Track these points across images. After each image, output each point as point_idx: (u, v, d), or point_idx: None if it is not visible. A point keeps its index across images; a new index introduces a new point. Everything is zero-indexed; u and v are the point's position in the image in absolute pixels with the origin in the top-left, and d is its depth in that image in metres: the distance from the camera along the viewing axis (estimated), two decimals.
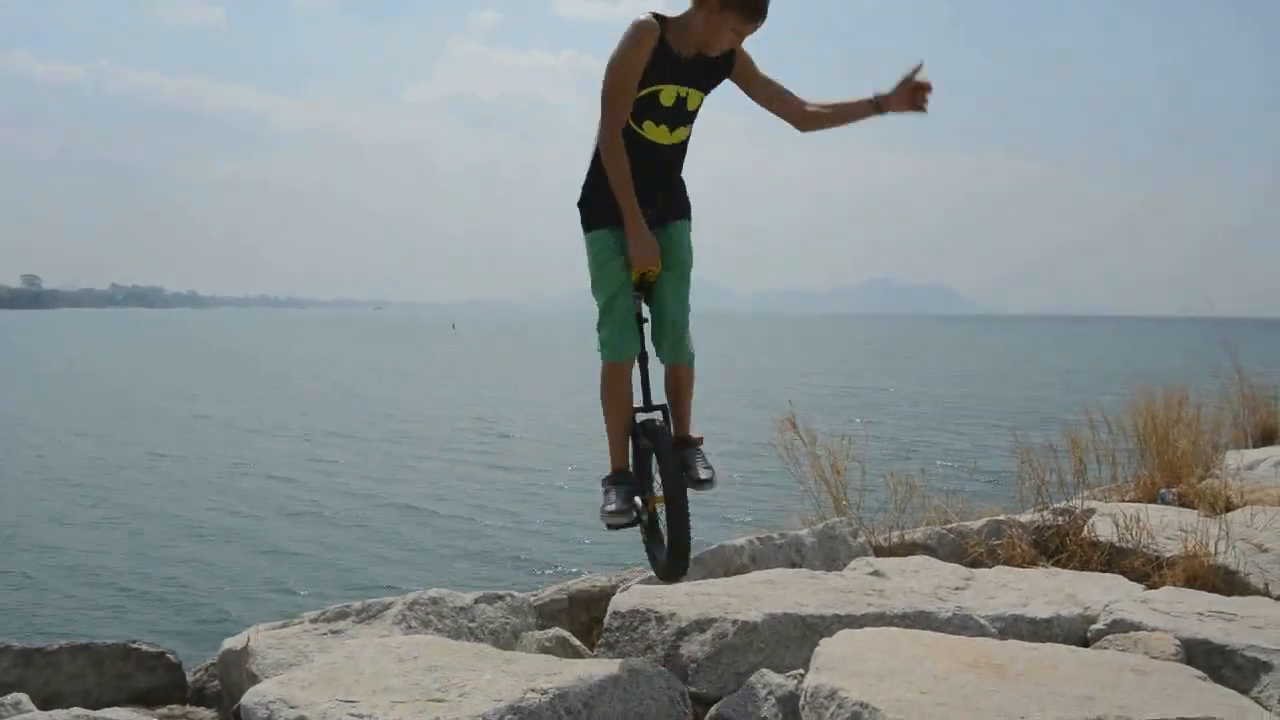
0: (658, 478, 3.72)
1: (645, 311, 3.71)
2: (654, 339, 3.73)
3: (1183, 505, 5.96)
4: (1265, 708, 3.33)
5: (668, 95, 3.57)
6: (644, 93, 3.53)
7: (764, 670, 3.40)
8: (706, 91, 3.65)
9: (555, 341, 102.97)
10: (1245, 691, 3.46)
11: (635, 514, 3.66)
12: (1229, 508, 5.69)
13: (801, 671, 3.36)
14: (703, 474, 3.70)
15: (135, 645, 4.09)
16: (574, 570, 8.08)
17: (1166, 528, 5.13)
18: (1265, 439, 8.78)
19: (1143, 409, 7.11)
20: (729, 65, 3.65)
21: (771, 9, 3.46)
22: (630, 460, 3.78)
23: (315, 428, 26.91)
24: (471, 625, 4.22)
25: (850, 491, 6.02)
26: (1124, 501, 6.10)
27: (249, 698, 3.14)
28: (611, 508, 3.65)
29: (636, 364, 3.69)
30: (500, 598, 4.44)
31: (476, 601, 4.35)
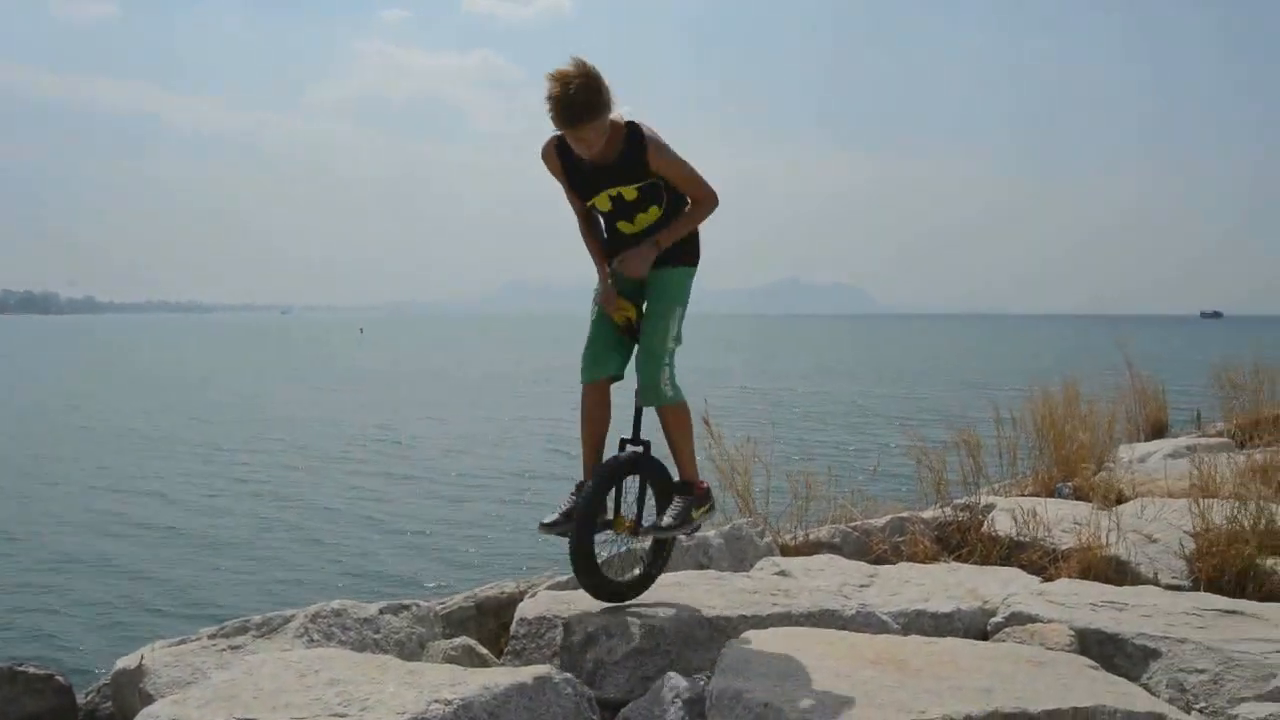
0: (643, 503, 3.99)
1: None
2: None
3: (1078, 498, 6.15)
4: (1153, 693, 3.46)
5: (602, 201, 3.90)
6: (590, 204, 3.95)
7: (671, 673, 3.41)
8: (637, 182, 3.82)
9: (459, 344, 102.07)
10: (1135, 678, 3.58)
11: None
12: (1121, 500, 5.88)
13: (708, 673, 3.38)
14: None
15: (21, 667, 3.94)
16: (482, 578, 8.00)
17: (1062, 521, 5.27)
18: (1156, 433, 9.12)
19: (1040, 405, 7.31)
20: (638, 163, 3.79)
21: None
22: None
23: (210, 438, 26.16)
24: (376, 636, 4.15)
25: (757, 492, 6.08)
26: (1023, 496, 6.26)
27: (142, 719, 3.04)
28: (546, 519, 3.87)
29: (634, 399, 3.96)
30: (406, 607, 4.37)
31: (381, 612, 4.28)
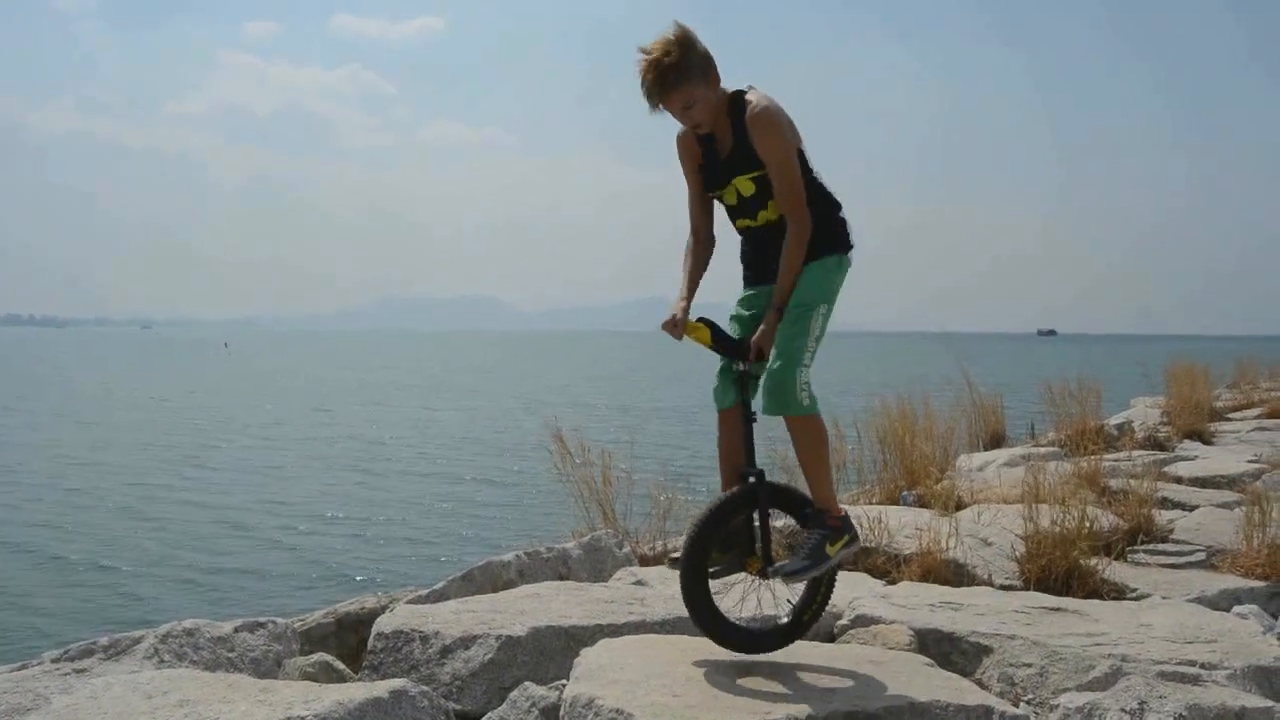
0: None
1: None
2: None
3: (921, 506, 6.43)
4: (985, 687, 3.67)
5: (729, 194, 3.57)
6: (713, 196, 3.62)
7: (527, 683, 3.46)
8: (753, 171, 3.46)
9: (323, 358, 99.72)
10: (970, 674, 3.79)
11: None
12: (959, 507, 6.19)
13: (564, 682, 3.44)
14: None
15: None
16: (343, 594, 7.89)
17: (905, 527, 5.52)
18: (994, 443, 9.60)
19: (886, 417, 7.62)
20: (748, 143, 3.43)
21: None
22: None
23: (56, 452, 25.02)
24: (231, 655, 4.07)
25: (618, 502, 6.17)
26: (870, 504, 6.51)
27: None
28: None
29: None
30: (262, 625, 4.28)
31: (236, 630, 4.18)
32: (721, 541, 3.46)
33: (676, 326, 3.46)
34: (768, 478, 3.53)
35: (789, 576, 3.44)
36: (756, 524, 3.52)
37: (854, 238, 3.62)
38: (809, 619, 3.65)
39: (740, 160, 3.45)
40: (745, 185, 3.49)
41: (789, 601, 3.69)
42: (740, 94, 3.44)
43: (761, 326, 3.48)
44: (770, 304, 3.49)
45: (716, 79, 3.40)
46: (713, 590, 3.44)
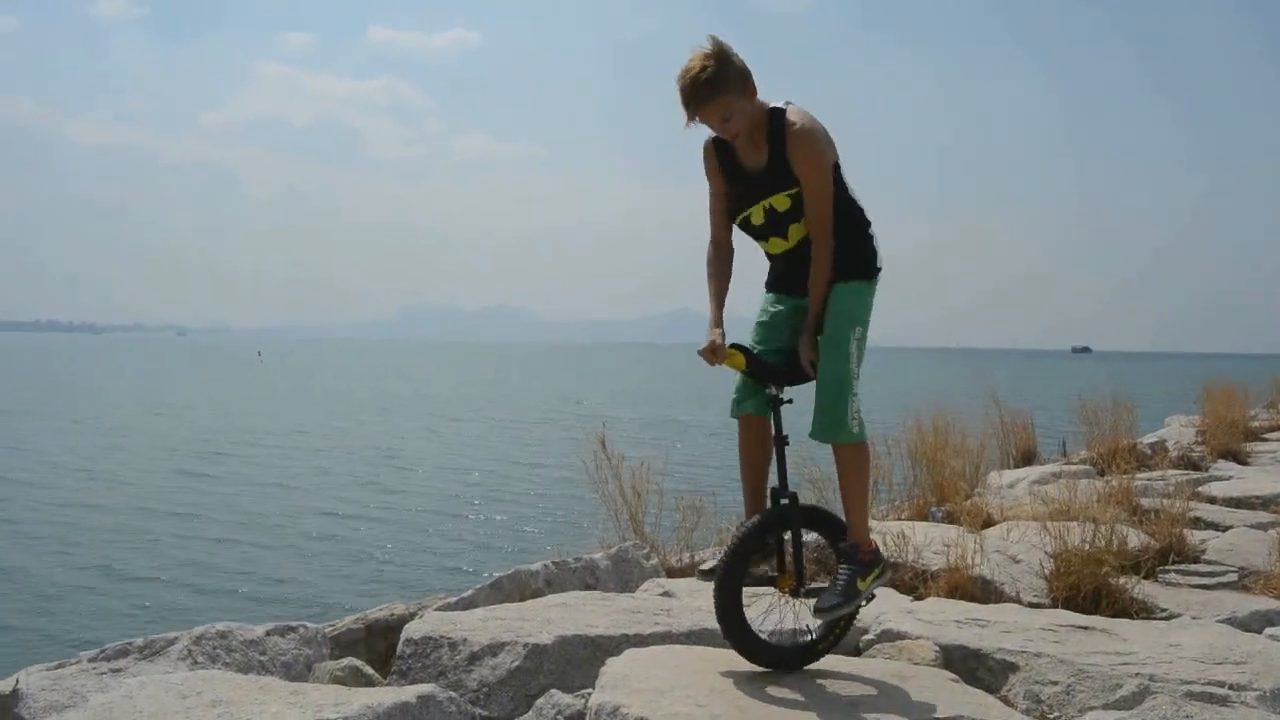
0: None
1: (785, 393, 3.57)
2: None
3: (950, 522, 6.40)
4: (1011, 705, 3.67)
5: (756, 214, 3.55)
6: (739, 220, 3.60)
7: (553, 691, 3.50)
8: (791, 188, 3.46)
9: (358, 369, 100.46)
10: (996, 690, 3.78)
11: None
12: (988, 523, 6.15)
13: (590, 691, 3.47)
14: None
15: None
16: (373, 599, 7.96)
17: (932, 543, 5.50)
18: (1025, 460, 9.55)
19: (918, 433, 7.60)
20: (786, 161, 3.43)
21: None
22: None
23: (91, 459, 25.35)
24: (262, 658, 4.13)
25: (648, 514, 6.20)
26: (900, 520, 6.49)
27: None
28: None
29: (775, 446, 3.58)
30: (293, 629, 4.35)
31: (268, 634, 4.25)
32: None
33: (715, 354, 3.47)
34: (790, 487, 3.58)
35: (821, 613, 3.44)
36: (788, 538, 3.57)
37: (881, 258, 3.62)
38: (824, 646, 3.68)
39: (778, 178, 3.46)
40: (781, 201, 3.49)
41: (808, 626, 3.72)
42: (779, 111, 3.44)
43: (803, 346, 3.51)
44: (804, 326, 3.53)
45: (753, 91, 3.41)
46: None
